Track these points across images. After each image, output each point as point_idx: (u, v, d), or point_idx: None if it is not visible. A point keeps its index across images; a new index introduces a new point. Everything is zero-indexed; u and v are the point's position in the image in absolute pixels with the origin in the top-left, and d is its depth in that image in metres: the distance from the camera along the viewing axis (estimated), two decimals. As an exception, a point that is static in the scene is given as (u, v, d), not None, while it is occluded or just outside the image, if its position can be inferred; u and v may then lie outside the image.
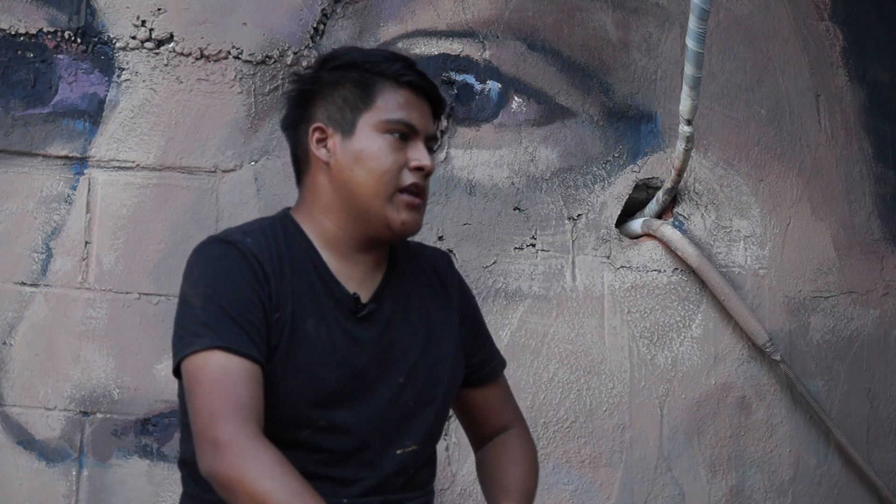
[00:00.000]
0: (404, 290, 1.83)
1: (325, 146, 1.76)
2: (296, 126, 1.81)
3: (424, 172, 1.75)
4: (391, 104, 1.74)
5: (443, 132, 2.90)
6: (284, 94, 1.91)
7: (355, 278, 1.77)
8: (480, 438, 2.00)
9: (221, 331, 1.63)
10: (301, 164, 1.82)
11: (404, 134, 1.74)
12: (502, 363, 2.00)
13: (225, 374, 1.60)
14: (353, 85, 1.75)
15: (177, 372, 1.68)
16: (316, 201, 1.78)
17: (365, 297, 1.77)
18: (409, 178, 1.73)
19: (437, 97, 1.81)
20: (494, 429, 1.98)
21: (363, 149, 1.73)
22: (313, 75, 1.81)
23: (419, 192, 1.75)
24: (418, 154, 1.74)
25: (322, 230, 1.77)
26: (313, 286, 1.74)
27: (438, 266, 1.92)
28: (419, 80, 1.77)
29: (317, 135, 1.77)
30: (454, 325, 1.87)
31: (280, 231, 1.76)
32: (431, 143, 1.80)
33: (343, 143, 1.74)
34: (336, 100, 1.76)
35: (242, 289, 1.67)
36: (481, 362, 1.94)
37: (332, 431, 1.70)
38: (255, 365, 1.63)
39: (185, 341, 1.65)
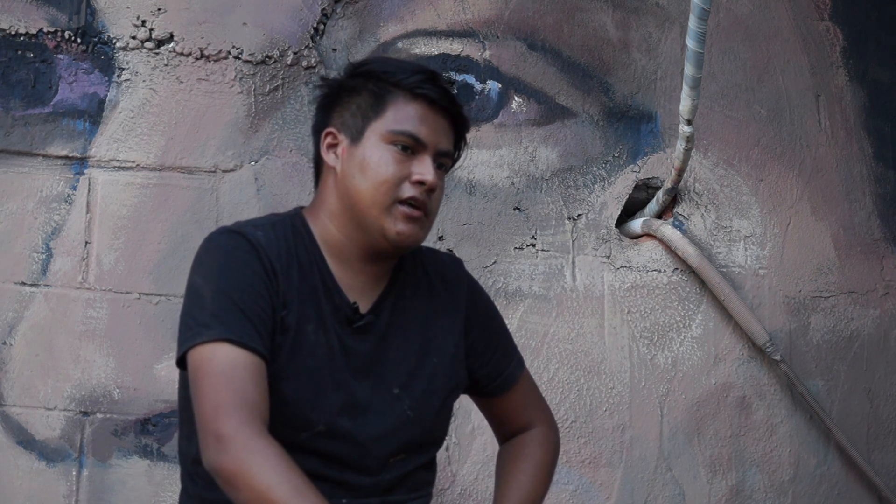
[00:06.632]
0: (405, 300, 1.81)
1: (335, 152, 1.76)
2: (317, 129, 1.82)
3: (426, 187, 1.71)
4: (400, 115, 1.72)
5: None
6: (314, 98, 1.91)
7: (356, 287, 1.77)
8: (502, 436, 2.00)
9: (231, 323, 1.62)
10: (318, 166, 1.82)
11: (409, 146, 1.72)
12: (519, 366, 1.96)
13: (233, 367, 1.59)
14: (369, 93, 1.74)
15: (180, 362, 1.66)
16: (323, 205, 1.78)
17: (364, 308, 1.76)
18: (408, 192, 1.71)
19: (458, 114, 1.78)
20: (516, 429, 1.97)
21: (366, 157, 1.72)
22: (337, 81, 1.81)
23: (419, 205, 1.72)
24: (422, 168, 1.72)
25: (328, 235, 1.77)
26: (316, 290, 1.73)
27: (447, 273, 1.89)
28: (436, 94, 1.74)
29: (328, 139, 1.77)
30: (456, 335, 1.85)
31: (290, 230, 1.76)
32: (445, 160, 1.77)
33: (350, 149, 1.74)
34: (351, 106, 1.76)
35: (253, 282, 1.66)
36: (493, 372, 1.92)
37: (330, 437, 1.70)
38: (262, 361, 1.63)
39: (194, 331, 1.63)
